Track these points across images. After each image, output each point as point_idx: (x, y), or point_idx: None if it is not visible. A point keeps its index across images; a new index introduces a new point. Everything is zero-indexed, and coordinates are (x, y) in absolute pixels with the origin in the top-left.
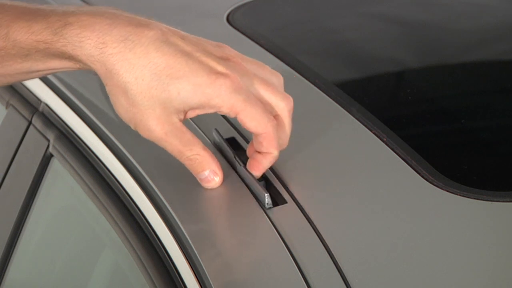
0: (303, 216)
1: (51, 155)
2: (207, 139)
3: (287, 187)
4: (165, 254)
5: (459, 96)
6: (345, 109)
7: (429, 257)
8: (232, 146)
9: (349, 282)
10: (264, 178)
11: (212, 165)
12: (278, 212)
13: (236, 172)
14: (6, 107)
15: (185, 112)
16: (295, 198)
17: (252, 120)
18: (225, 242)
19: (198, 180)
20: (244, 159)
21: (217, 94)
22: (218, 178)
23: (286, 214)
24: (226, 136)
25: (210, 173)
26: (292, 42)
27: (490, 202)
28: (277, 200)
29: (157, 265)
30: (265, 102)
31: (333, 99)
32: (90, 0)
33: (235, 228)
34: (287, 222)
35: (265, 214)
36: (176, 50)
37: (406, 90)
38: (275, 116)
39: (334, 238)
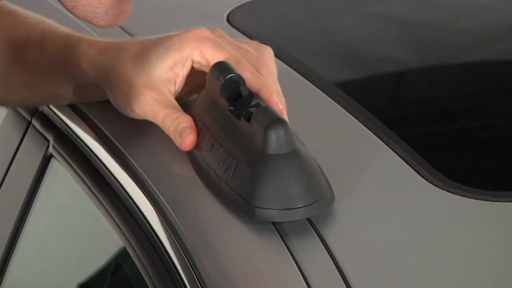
0: None
1: (51, 155)
2: None
3: None
4: (165, 254)
5: (459, 96)
6: (345, 109)
7: (429, 257)
8: None
9: (349, 282)
10: None
11: (189, 121)
12: None
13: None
14: (6, 107)
15: (172, 79)
16: None
17: (216, 59)
18: (225, 242)
19: (177, 142)
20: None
21: (186, 44)
22: (193, 134)
23: None
24: None
25: (186, 128)
26: (292, 42)
27: (490, 202)
28: None
29: (157, 265)
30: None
31: (333, 99)
32: None
33: (235, 228)
34: (287, 222)
35: None
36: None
37: (406, 90)
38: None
39: (334, 238)
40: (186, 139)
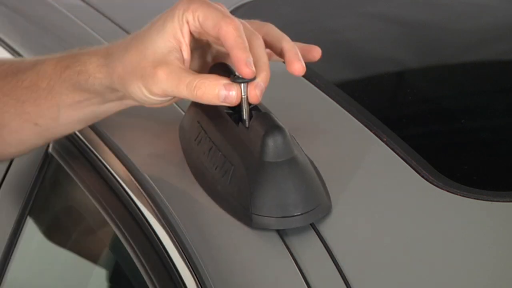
0: None
1: (51, 155)
2: None
3: None
4: (165, 254)
5: (459, 96)
6: (345, 109)
7: (429, 257)
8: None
9: (349, 282)
10: None
11: (221, 80)
12: None
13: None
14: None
15: (176, 47)
16: None
17: (207, 18)
18: (225, 242)
19: (223, 102)
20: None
21: (177, 8)
22: (234, 92)
23: None
24: None
25: (225, 89)
26: None
27: (490, 202)
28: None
29: (157, 265)
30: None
31: (333, 99)
32: (90, 0)
33: (235, 228)
34: None
35: None
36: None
37: (406, 90)
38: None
39: (334, 238)
40: (232, 100)
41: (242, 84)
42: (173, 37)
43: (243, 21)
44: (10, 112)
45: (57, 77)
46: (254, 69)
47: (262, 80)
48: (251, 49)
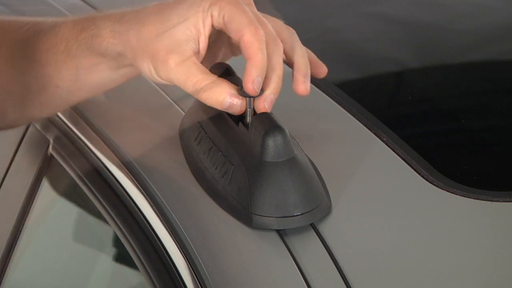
0: None
1: (51, 155)
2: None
3: None
4: (165, 254)
5: (459, 96)
6: (345, 109)
7: (429, 257)
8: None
9: (349, 282)
10: None
11: (228, 89)
12: None
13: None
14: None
15: (194, 37)
16: None
17: (233, 20)
18: (225, 242)
19: (226, 110)
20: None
21: (202, 2)
22: (239, 102)
23: None
24: None
25: (230, 97)
26: None
27: (490, 202)
28: None
29: (157, 265)
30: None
31: (333, 99)
32: (90, 0)
33: (235, 227)
34: None
35: None
36: None
37: (406, 90)
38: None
39: (334, 238)
40: (235, 110)
41: (248, 98)
42: (194, 26)
43: (268, 22)
44: (32, 74)
45: (74, 40)
46: (258, 88)
47: (271, 92)
48: (269, 55)
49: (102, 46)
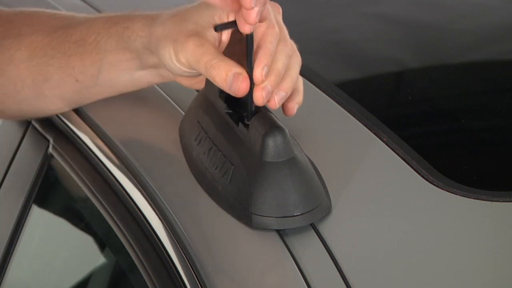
0: None
1: (51, 155)
2: None
3: None
4: (165, 254)
5: (459, 96)
6: (345, 109)
7: (429, 257)
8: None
9: (349, 282)
10: None
11: (234, 67)
12: None
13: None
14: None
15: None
16: None
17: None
18: (225, 242)
19: (229, 89)
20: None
21: None
22: (242, 82)
23: None
24: None
25: (233, 76)
26: None
27: (490, 202)
28: None
29: (157, 265)
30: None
31: (333, 99)
32: (91, 0)
33: (235, 227)
34: None
35: None
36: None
37: (406, 90)
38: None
39: (334, 238)
40: (241, 88)
41: (249, 101)
42: (219, 16)
43: (278, 23)
44: (55, 65)
45: (105, 32)
46: (265, 77)
47: (269, 83)
48: (276, 52)
49: (130, 39)
